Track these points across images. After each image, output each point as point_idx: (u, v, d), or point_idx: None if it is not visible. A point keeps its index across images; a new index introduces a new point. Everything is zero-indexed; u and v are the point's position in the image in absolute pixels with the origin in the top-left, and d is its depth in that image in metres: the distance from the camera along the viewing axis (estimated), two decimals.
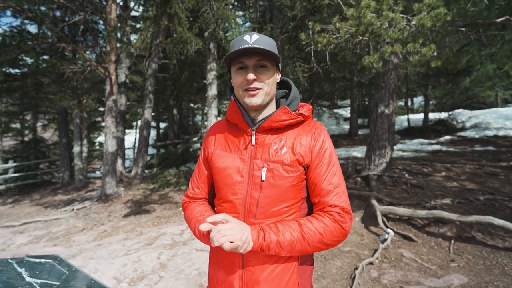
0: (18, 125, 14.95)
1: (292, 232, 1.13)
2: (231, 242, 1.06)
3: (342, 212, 1.17)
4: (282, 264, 1.20)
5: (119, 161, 10.78)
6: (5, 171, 12.92)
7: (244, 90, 1.20)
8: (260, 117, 1.26)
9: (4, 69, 11.72)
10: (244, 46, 1.14)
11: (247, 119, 1.26)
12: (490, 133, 14.38)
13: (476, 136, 14.26)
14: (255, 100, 1.19)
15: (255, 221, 1.19)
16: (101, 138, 21.59)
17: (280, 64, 1.28)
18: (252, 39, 1.17)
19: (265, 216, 1.19)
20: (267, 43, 1.19)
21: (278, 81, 1.30)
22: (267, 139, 1.24)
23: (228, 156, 1.27)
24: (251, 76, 1.16)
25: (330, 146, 1.26)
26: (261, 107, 1.25)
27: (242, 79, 1.19)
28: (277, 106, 1.34)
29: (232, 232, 1.07)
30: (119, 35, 10.19)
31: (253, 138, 1.24)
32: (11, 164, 12.80)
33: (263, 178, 1.19)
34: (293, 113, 1.24)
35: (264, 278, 1.19)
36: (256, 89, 1.19)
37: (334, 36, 5.13)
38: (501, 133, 14.14)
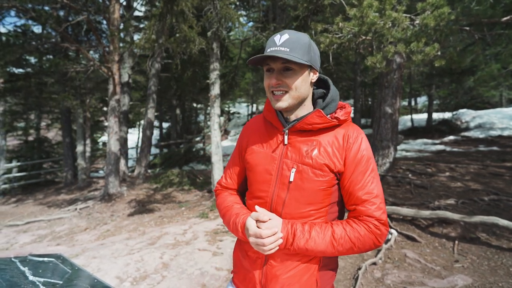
0: (22, 125, 15.01)
1: (323, 240, 1.13)
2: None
3: (378, 224, 1.13)
4: (303, 264, 1.20)
5: (122, 161, 10.80)
6: (9, 171, 12.98)
7: (271, 92, 1.20)
8: (293, 117, 1.25)
9: (8, 69, 11.78)
10: (271, 49, 1.13)
11: (280, 118, 1.26)
12: (494, 133, 14.28)
13: (480, 136, 14.17)
14: (280, 104, 1.18)
15: None
16: (104, 138, 21.66)
17: (318, 62, 1.23)
18: (281, 40, 1.14)
19: (291, 217, 1.19)
20: (297, 44, 1.14)
21: (313, 80, 1.24)
22: (300, 140, 1.22)
23: (260, 152, 1.28)
24: (273, 81, 1.16)
25: (367, 152, 1.19)
26: (290, 109, 1.23)
27: (268, 82, 1.19)
28: (315, 106, 1.30)
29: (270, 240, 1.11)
30: (122, 34, 10.21)
31: (286, 137, 1.23)
32: (14, 163, 12.86)
33: (291, 179, 1.18)
34: (328, 116, 1.20)
35: (283, 274, 1.20)
36: (281, 92, 1.17)
37: (337, 36, 5.11)
38: (505, 133, 14.04)
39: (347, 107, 1.26)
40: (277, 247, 1.13)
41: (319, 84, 1.35)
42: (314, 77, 1.24)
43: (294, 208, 1.18)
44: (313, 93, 1.31)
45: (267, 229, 1.11)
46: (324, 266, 1.24)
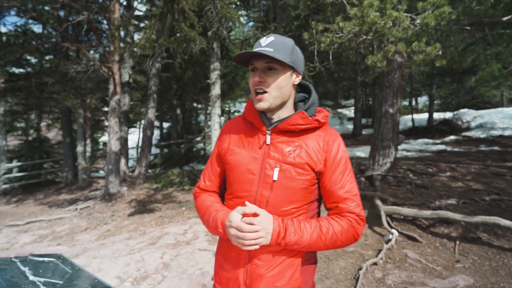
0: (22, 125, 15.04)
1: (312, 233, 1.17)
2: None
3: (358, 219, 1.22)
4: (286, 261, 1.23)
5: (123, 161, 10.80)
6: (10, 171, 12.99)
7: (254, 91, 1.24)
8: (276, 118, 1.29)
9: (8, 69, 11.77)
10: (256, 49, 1.18)
11: (263, 119, 1.29)
12: (495, 133, 14.27)
13: (482, 136, 14.16)
14: (261, 105, 1.22)
15: None
16: (104, 138, 21.66)
17: (300, 66, 1.28)
18: (266, 42, 1.20)
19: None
20: (282, 45, 1.20)
21: (296, 83, 1.29)
22: (282, 140, 1.25)
23: (241, 153, 1.29)
24: (256, 78, 1.21)
25: (345, 153, 1.28)
26: (272, 110, 1.27)
27: (252, 80, 1.23)
28: (296, 109, 1.35)
29: (260, 234, 1.13)
30: (122, 34, 10.20)
31: (268, 137, 1.26)
32: (15, 163, 12.87)
33: (275, 178, 1.21)
34: (310, 118, 1.25)
35: (267, 273, 1.22)
36: (263, 92, 1.21)
37: (338, 36, 5.10)
38: (506, 133, 14.03)
39: (325, 111, 1.32)
40: (258, 245, 1.14)
41: (300, 89, 1.41)
42: (296, 79, 1.29)
43: (277, 207, 1.21)
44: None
45: (254, 224, 1.13)
46: (306, 260, 1.28)
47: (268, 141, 1.26)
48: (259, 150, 1.26)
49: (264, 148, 1.26)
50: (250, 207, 1.15)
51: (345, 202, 1.22)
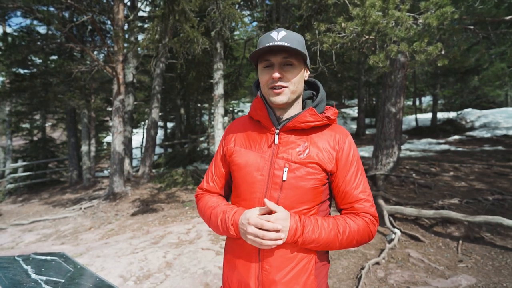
0: (27, 125, 15.16)
1: (329, 232, 1.14)
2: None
3: (373, 219, 1.21)
4: (299, 265, 1.18)
5: (127, 161, 10.85)
6: (15, 170, 13.10)
7: (270, 88, 1.19)
8: (285, 116, 1.25)
9: (14, 69, 11.88)
10: (270, 44, 1.12)
11: (272, 117, 1.24)
12: (499, 132, 14.18)
13: (486, 135, 14.07)
14: (280, 99, 1.18)
15: None
16: (109, 138, 21.78)
17: (308, 62, 1.24)
18: (279, 36, 1.15)
19: None
20: (295, 40, 1.16)
21: (306, 78, 1.27)
22: (291, 139, 1.21)
23: (248, 153, 1.25)
24: (276, 74, 1.15)
25: (356, 152, 1.25)
26: (287, 106, 1.23)
27: (268, 77, 1.18)
28: (303, 107, 1.31)
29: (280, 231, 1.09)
30: (126, 35, 10.25)
31: (277, 137, 1.22)
32: (20, 163, 12.98)
33: (284, 178, 1.17)
34: (320, 115, 1.21)
35: (281, 278, 1.17)
36: (282, 87, 1.17)
37: (340, 36, 5.10)
38: (511, 132, 13.93)
39: (334, 108, 1.27)
40: (275, 244, 1.09)
41: (307, 87, 1.36)
42: (306, 74, 1.26)
43: (288, 208, 1.16)
44: None
45: (272, 221, 1.07)
46: (319, 262, 1.23)
47: (276, 141, 1.22)
48: (267, 150, 1.22)
49: (272, 148, 1.22)
50: (269, 205, 1.10)
51: (361, 203, 1.20)
